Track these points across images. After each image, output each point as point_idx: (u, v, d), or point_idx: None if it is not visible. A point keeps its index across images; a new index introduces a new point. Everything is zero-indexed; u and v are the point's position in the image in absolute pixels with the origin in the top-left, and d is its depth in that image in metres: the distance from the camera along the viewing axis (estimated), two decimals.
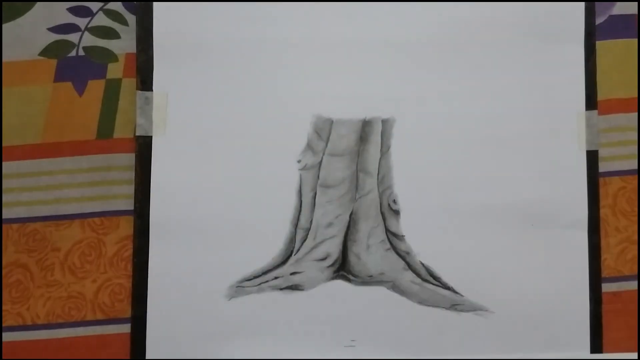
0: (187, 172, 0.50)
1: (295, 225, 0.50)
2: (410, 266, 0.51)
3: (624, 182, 0.53)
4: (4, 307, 0.49)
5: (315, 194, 0.51)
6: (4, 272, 0.50)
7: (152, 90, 0.50)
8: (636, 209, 0.53)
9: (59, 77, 0.51)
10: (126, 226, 0.50)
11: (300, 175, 0.51)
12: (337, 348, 0.50)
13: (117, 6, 0.51)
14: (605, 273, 0.52)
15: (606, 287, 0.52)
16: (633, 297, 0.52)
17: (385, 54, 0.51)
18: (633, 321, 0.52)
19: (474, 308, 0.51)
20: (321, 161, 0.51)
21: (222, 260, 0.50)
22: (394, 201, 0.51)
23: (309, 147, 0.51)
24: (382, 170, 0.51)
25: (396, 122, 0.51)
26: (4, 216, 0.50)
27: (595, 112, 0.52)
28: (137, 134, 0.50)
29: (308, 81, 0.51)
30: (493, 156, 0.51)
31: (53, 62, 0.51)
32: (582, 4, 0.52)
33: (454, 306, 0.51)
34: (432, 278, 0.51)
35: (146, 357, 0.49)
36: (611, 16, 0.53)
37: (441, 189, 0.51)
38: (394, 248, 0.51)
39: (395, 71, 0.51)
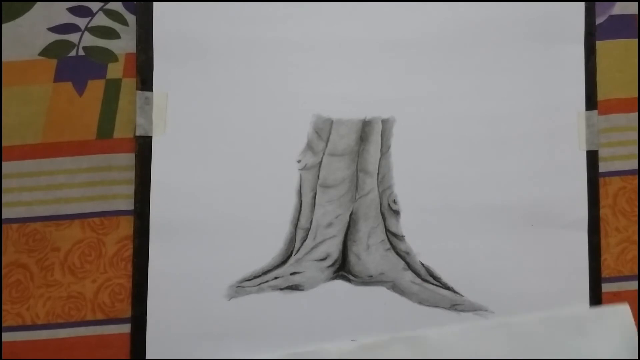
0: (187, 172, 0.50)
1: (295, 225, 0.50)
2: (410, 266, 0.51)
3: (624, 182, 0.53)
4: (4, 307, 0.49)
5: (315, 194, 0.51)
6: (4, 272, 0.50)
7: (152, 90, 0.50)
8: (636, 209, 0.53)
9: (59, 77, 0.51)
10: (126, 226, 0.50)
11: (300, 175, 0.51)
12: None
13: (117, 6, 0.51)
14: (605, 273, 0.52)
15: (606, 287, 0.52)
16: (633, 297, 0.52)
17: (385, 54, 0.51)
18: None
19: (474, 308, 0.51)
20: (321, 161, 0.51)
21: (222, 260, 0.50)
22: (394, 201, 0.51)
23: (309, 147, 0.51)
24: (382, 170, 0.51)
25: (396, 122, 0.51)
26: (4, 216, 0.50)
27: (595, 112, 0.52)
28: (137, 134, 0.50)
29: (308, 81, 0.51)
30: (493, 156, 0.51)
31: (53, 62, 0.51)
32: (582, 4, 0.52)
33: (454, 306, 0.51)
34: (432, 278, 0.51)
35: (146, 357, 0.49)
36: (611, 16, 0.53)
37: (441, 189, 0.51)
38: (394, 248, 0.51)
39: (395, 71, 0.51)
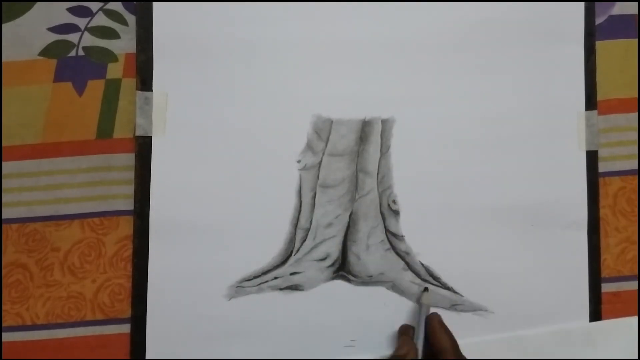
0: (187, 172, 0.50)
1: (295, 225, 0.50)
2: (410, 266, 0.51)
3: (624, 182, 0.53)
4: (3, 307, 0.49)
5: (315, 194, 0.51)
6: (3, 272, 0.50)
7: (152, 90, 0.50)
8: (636, 209, 0.53)
9: (59, 77, 0.51)
10: (126, 226, 0.50)
11: (300, 175, 0.51)
12: (337, 348, 0.50)
13: (117, 6, 0.51)
14: (605, 273, 0.52)
15: (606, 287, 0.52)
16: (633, 297, 0.52)
17: (385, 54, 0.51)
18: None
19: (473, 308, 0.51)
20: (321, 161, 0.51)
21: (222, 260, 0.50)
22: (394, 201, 0.51)
23: (309, 147, 0.51)
24: (382, 170, 0.51)
25: (396, 122, 0.51)
26: (4, 216, 0.50)
27: (595, 112, 0.52)
28: (137, 134, 0.50)
29: (308, 81, 0.51)
30: (493, 156, 0.51)
31: (53, 62, 0.51)
32: (582, 4, 0.52)
33: (453, 306, 0.51)
34: (432, 278, 0.51)
35: (146, 357, 0.49)
36: (611, 16, 0.53)
37: (441, 189, 0.51)
38: (393, 248, 0.51)
39: (395, 71, 0.51)
